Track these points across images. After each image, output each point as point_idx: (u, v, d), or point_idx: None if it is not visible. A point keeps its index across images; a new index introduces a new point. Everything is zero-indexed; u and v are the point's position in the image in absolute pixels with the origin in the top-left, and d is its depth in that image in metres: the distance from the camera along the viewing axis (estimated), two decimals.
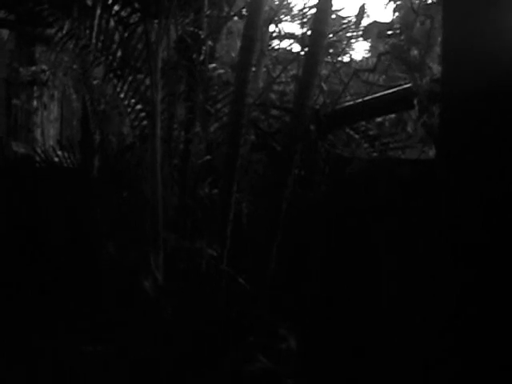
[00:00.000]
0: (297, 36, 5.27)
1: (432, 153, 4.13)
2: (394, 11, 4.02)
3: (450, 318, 2.19)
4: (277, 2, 5.21)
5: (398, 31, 3.91)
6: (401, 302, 3.59)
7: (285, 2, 5.25)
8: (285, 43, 5.44)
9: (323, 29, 4.23)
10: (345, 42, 5.11)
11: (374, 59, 4.61)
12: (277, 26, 5.12)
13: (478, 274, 2.14)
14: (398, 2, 3.84)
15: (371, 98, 4.29)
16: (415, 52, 3.79)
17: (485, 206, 2.14)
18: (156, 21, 4.49)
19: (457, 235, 2.20)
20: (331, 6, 4.28)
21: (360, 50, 6.56)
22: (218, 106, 4.99)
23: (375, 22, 3.97)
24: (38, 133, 7.65)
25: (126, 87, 5.00)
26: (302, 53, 4.62)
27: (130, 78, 4.92)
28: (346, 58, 5.19)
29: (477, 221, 2.15)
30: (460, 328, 2.16)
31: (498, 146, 2.13)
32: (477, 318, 2.13)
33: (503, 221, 2.11)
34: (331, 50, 4.86)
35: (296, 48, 5.29)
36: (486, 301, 2.12)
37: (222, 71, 4.94)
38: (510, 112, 2.13)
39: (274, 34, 5.27)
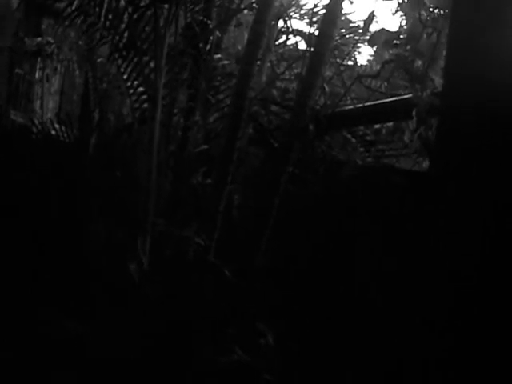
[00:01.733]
0: (304, 33, 5.27)
1: (426, 164, 4.17)
2: (402, 19, 4.05)
3: (449, 320, 2.23)
4: None
5: (404, 41, 3.94)
6: (396, 304, 3.62)
7: (294, 1, 5.25)
8: (291, 40, 5.45)
9: (331, 31, 4.25)
10: (351, 46, 5.14)
11: (378, 66, 4.63)
12: (285, 23, 5.12)
13: (477, 279, 2.18)
14: (406, 14, 3.86)
15: (371, 104, 4.32)
16: (419, 63, 3.81)
17: (484, 214, 2.19)
18: (166, 6, 4.50)
19: (456, 241, 2.25)
20: (341, 8, 4.30)
21: (365, 55, 6.57)
22: (220, 96, 5.02)
23: (383, 29, 3.99)
24: (37, 104, 7.64)
25: (129, 68, 5.00)
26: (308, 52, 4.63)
27: (135, 60, 4.92)
28: (350, 62, 5.22)
29: (477, 228, 2.20)
30: (460, 329, 2.20)
31: (499, 157, 2.18)
32: (475, 323, 2.17)
33: (503, 228, 2.16)
34: (336, 52, 4.87)
35: (302, 45, 5.30)
36: (484, 306, 2.16)
37: (226, 62, 4.96)
38: (510, 126, 2.18)
39: (282, 30, 5.27)
